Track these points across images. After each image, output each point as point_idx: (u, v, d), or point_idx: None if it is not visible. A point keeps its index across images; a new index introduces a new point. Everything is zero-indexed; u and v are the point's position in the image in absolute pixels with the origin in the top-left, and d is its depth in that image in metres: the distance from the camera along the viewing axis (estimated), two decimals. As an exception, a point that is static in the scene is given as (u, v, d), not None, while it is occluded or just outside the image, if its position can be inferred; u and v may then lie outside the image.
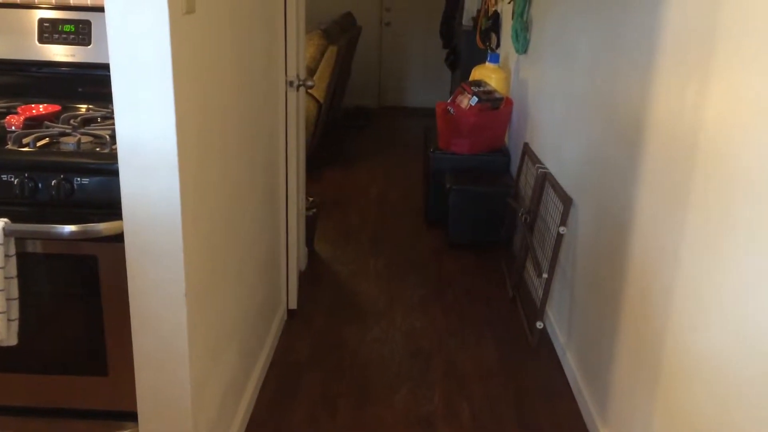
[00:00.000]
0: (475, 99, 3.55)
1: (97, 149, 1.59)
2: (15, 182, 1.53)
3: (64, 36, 2.01)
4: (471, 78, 4.09)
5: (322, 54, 4.63)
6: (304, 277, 3.13)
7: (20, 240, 1.55)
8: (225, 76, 1.70)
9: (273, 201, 2.47)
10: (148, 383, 1.55)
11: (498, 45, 4.46)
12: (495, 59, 4.03)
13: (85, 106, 2.01)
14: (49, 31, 2.01)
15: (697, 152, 1.48)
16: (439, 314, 2.87)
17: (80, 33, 2.01)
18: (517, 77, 3.88)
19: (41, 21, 2.01)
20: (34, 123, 1.77)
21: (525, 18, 3.63)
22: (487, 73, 3.96)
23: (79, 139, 1.61)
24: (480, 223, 3.52)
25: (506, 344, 2.65)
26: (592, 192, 2.27)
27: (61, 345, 1.66)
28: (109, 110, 1.93)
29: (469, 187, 3.49)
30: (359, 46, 6.61)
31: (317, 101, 4.64)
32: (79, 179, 1.54)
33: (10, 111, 1.88)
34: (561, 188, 2.60)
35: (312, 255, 3.38)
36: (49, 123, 1.78)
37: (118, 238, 1.48)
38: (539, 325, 2.59)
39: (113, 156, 1.53)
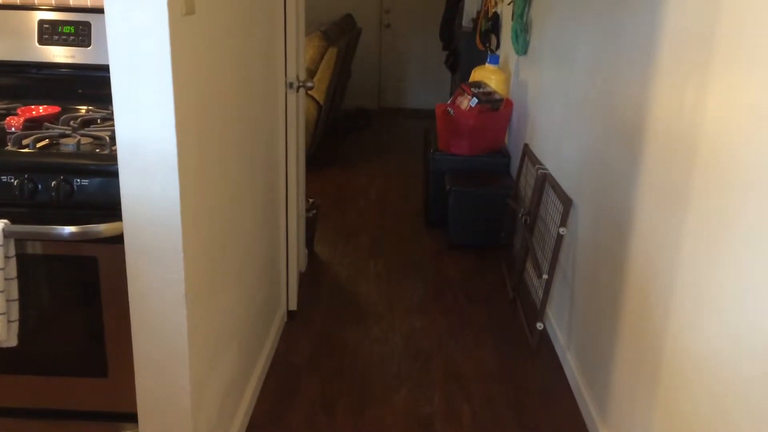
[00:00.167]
0: (474, 100, 3.55)
1: (97, 150, 1.59)
2: (15, 183, 1.53)
3: (64, 37, 2.01)
4: (471, 79, 4.09)
5: (322, 55, 4.63)
6: (304, 278, 3.13)
7: (20, 241, 1.55)
8: (225, 78, 1.70)
9: (273, 202, 2.47)
10: (147, 384, 1.55)
11: (498, 46, 4.46)
12: (495, 60, 4.03)
13: (85, 107, 2.02)
14: (49, 33, 2.01)
15: (697, 153, 1.48)
16: (439, 315, 2.87)
17: (80, 34, 2.01)
18: (517, 78, 3.88)
19: (41, 22, 2.01)
20: (33, 124, 1.77)
21: (525, 19, 3.63)
22: (486, 75, 3.96)
23: (79, 141, 1.61)
24: (480, 225, 3.53)
25: (506, 345, 2.64)
26: (592, 193, 2.27)
27: (61, 346, 1.66)
28: (109, 111, 1.93)
29: (469, 189, 3.49)
30: (359, 48, 6.62)
31: (317, 103, 4.64)
32: (78, 180, 1.54)
33: (9, 112, 1.88)
34: (561, 189, 2.60)
35: (312, 256, 3.38)
36: (48, 124, 1.78)
37: (118, 239, 1.48)
38: (539, 326, 2.59)
39: (113, 157, 1.53)
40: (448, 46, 6.04)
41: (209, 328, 1.68)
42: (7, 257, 1.49)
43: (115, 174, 1.49)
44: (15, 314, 1.54)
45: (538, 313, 2.61)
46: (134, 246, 1.45)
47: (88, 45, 2.01)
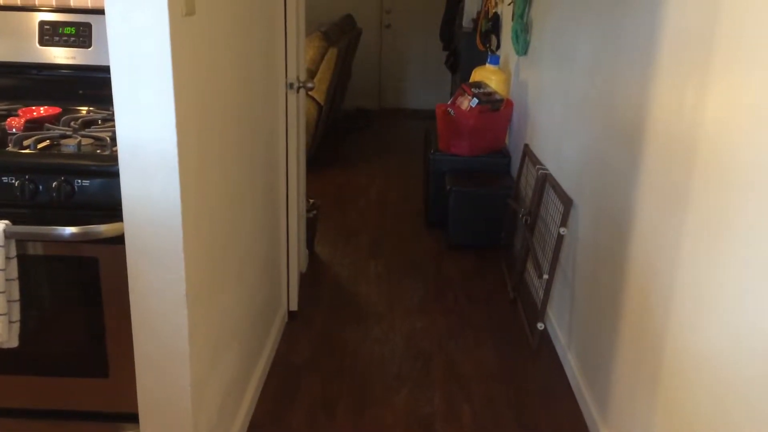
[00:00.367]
0: (475, 100, 3.55)
1: (98, 151, 1.60)
2: (16, 184, 1.54)
3: (65, 38, 2.01)
4: (471, 79, 4.09)
5: (323, 56, 4.63)
6: (304, 279, 3.13)
7: (21, 242, 1.56)
8: (225, 78, 1.71)
9: (273, 202, 2.47)
10: (148, 384, 1.56)
11: (498, 47, 4.46)
12: (495, 61, 4.03)
13: (86, 108, 2.02)
14: (50, 34, 2.01)
15: (697, 153, 1.48)
16: (440, 315, 2.87)
17: (81, 35, 2.01)
18: (517, 79, 3.88)
19: (42, 23, 2.01)
20: (34, 125, 1.78)
21: (525, 20, 3.63)
22: (487, 75, 3.96)
23: (80, 141, 1.61)
24: (480, 225, 3.53)
25: (507, 345, 2.65)
26: (592, 193, 2.28)
27: (62, 347, 1.66)
28: (110, 112, 1.93)
29: (470, 189, 3.49)
30: (359, 48, 6.62)
31: (318, 103, 4.64)
32: (79, 181, 1.54)
33: (10, 113, 1.88)
34: (561, 189, 2.61)
35: (312, 256, 3.39)
36: (49, 125, 1.79)
37: (119, 239, 1.48)
38: (540, 326, 2.59)
39: (114, 158, 1.53)
40: (449, 47, 6.04)
41: (210, 328, 1.68)
42: (8, 258, 1.49)
43: (115, 175, 1.49)
44: (16, 315, 1.55)
45: (539, 313, 2.61)
46: (135, 246, 1.45)
47: (89, 46, 2.02)
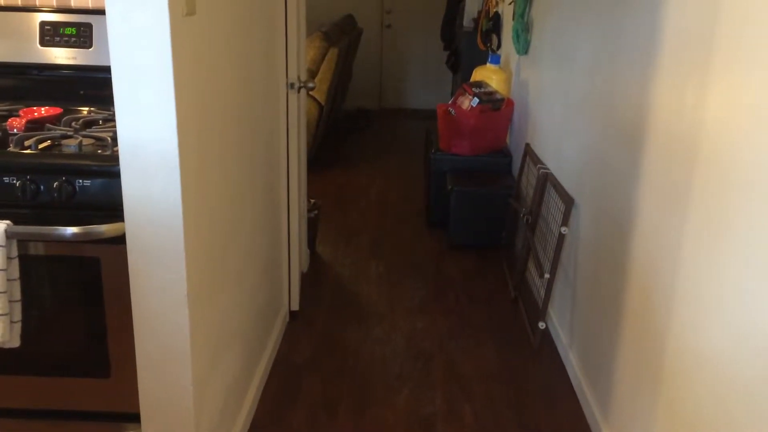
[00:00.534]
0: (476, 100, 3.55)
1: (99, 151, 1.60)
2: (17, 184, 1.54)
3: (66, 39, 2.01)
4: (472, 79, 4.09)
5: (323, 56, 4.63)
6: (305, 279, 3.13)
7: (22, 242, 1.56)
8: (225, 78, 1.71)
9: (274, 202, 2.47)
10: (150, 384, 1.56)
11: (499, 46, 4.46)
12: (496, 60, 4.03)
13: (87, 108, 2.02)
14: (51, 34, 2.02)
15: (697, 152, 1.48)
16: (441, 315, 2.87)
17: (81, 36, 2.01)
18: (518, 78, 3.88)
19: (42, 24, 2.01)
20: (35, 125, 1.78)
21: (525, 19, 3.63)
22: (488, 74, 3.96)
23: (81, 142, 1.62)
24: (481, 224, 3.53)
25: (508, 345, 2.64)
26: (593, 192, 2.28)
27: (63, 347, 1.66)
28: (111, 112, 1.93)
29: (471, 189, 3.49)
30: (360, 48, 6.62)
31: (318, 103, 4.64)
32: (80, 181, 1.54)
33: (11, 114, 1.88)
34: (562, 188, 2.60)
35: (314, 256, 3.39)
36: (50, 125, 1.79)
37: (120, 239, 1.48)
38: (541, 325, 2.59)
39: (115, 158, 1.54)
40: (449, 46, 6.04)
41: (211, 327, 1.68)
42: (9, 258, 1.49)
43: (116, 175, 1.49)
44: (18, 315, 1.55)
45: (540, 313, 2.61)
46: (136, 246, 1.46)
47: (90, 46, 2.02)
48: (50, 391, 1.70)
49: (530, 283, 2.94)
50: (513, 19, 3.79)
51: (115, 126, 1.45)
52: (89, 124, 1.85)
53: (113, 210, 1.51)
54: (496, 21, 4.42)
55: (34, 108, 1.91)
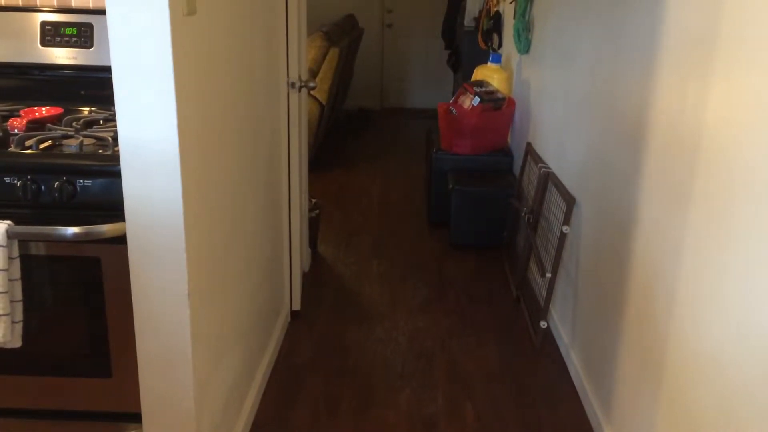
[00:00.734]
0: (477, 99, 3.55)
1: (100, 151, 1.60)
2: (18, 185, 1.54)
3: (66, 39, 2.01)
4: (473, 78, 4.09)
5: (324, 56, 4.63)
6: (307, 279, 3.13)
7: (23, 242, 1.56)
8: (226, 78, 1.70)
9: (275, 202, 2.47)
10: (151, 384, 1.56)
11: (500, 45, 4.46)
12: (497, 59, 4.03)
13: (88, 108, 2.02)
14: (51, 34, 2.02)
15: (699, 151, 1.48)
16: (442, 315, 2.86)
17: (82, 36, 2.01)
18: (519, 77, 3.88)
19: (43, 24, 2.01)
20: (36, 125, 1.78)
21: (527, 18, 3.63)
22: (489, 74, 3.96)
23: (82, 142, 1.62)
24: (483, 224, 3.52)
25: (510, 344, 2.64)
26: (594, 191, 2.27)
27: (64, 347, 1.66)
28: (112, 112, 1.93)
29: (472, 188, 3.48)
30: (361, 48, 6.62)
31: (320, 103, 4.64)
32: (81, 181, 1.54)
33: (12, 114, 1.88)
34: (564, 188, 2.60)
35: (315, 256, 3.39)
36: (51, 125, 1.79)
37: (121, 239, 1.48)
38: (543, 324, 2.58)
39: (115, 158, 1.54)
40: (450, 46, 6.04)
41: (212, 327, 1.68)
42: (10, 258, 1.49)
43: (117, 175, 1.49)
44: (19, 315, 1.55)
45: (542, 312, 2.61)
46: (137, 246, 1.45)
47: (91, 46, 2.02)
48: (52, 391, 1.70)
49: (532, 283, 2.94)
50: (514, 18, 3.79)
51: (115, 126, 1.45)
52: (90, 124, 1.85)
53: (114, 210, 1.51)
54: (497, 20, 4.42)
55: (35, 108, 1.91)
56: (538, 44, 3.39)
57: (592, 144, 2.32)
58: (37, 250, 1.59)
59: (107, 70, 1.36)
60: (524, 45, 3.64)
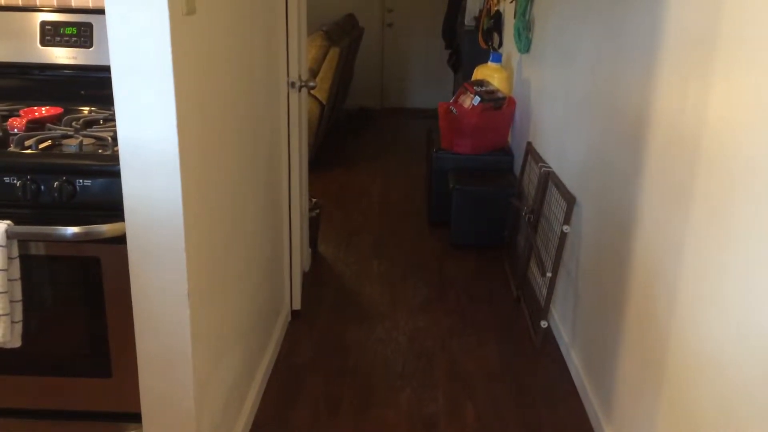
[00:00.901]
0: (477, 99, 3.54)
1: (99, 151, 1.60)
2: (17, 184, 1.54)
3: (66, 38, 2.01)
4: (473, 78, 4.08)
5: (325, 55, 4.63)
6: (307, 278, 3.13)
7: (23, 242, 1.56)
8: (226, 77, 1.70)
9: (275, 202, 2.47)
10: (151, 384, 1.55)
11: (500, 44, 4.45)
12: (497, 59, 4.02)
13: (88, 108, 2.02)
14: (51, 34, 2.01)
15: (700, 150, 1.48)
16: (443, 315, 2.86)
17: (82, 35, 2.01)
18: (520, 76, 3.88)
19: (43, 24, 2.01)
20: (36, 125, 1.78)
21: (527, 17, 3.62)
22: (489, 73, 3.95)
23: (81, 141, 1.61)
24: (483, 224, 3.52)
25: (510, 344, 2.64)
26: (595, 190, 2.27)
27: (64, 347, 1.66)
28: (112, 112, 1.93)
29: (472, 187, 3.48)
30: (361, 48, 6.61)
31: (320, 103, 4.64)
32: (81, 181, 1.54)
33: (12, 113, 1.88)
34: (564, 187, 2.60)
35: (315, 256, 3.38)
36: (51, 125, 1.79)
37: (121, 239, 1.48)
38: (543, 324, 2.58)
39: (115, 158, 1.53)
40: (451, 45, 6.03)
41: (212, 327, 1.68)
42: (10, 258, 1.49)
43: (117, 174, 1.49)
44: (18, 315, 1.54)
45: (542, 312, 2.60)
46: (137, 246, 1.45)
47: (90, 46, 2.01)
48: (52, 391, 1.70)
49: (532, 282, 2.94)
50: (514, 17, 3.78)
51: (115, 126, 1.44)
52: (90, 123, 1.84)
53: (114, 210, 1.51)
54: (497, 19, 4.41)
55: (35, 108, 1.91)
56: (539, 43, 3.38)
57: (593, 143, 2.32)
58: (37, 250, 1.59)
59: (107, 69, 1.36)
60: (525, 44, 3.63)
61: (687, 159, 1.54)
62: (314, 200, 3.34)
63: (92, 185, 1.54)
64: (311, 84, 2.70)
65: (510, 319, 2.84)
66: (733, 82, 1.35)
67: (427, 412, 2.21)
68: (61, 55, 2.02)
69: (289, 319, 2.74)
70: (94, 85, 2.04)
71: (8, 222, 1.48)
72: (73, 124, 1.80)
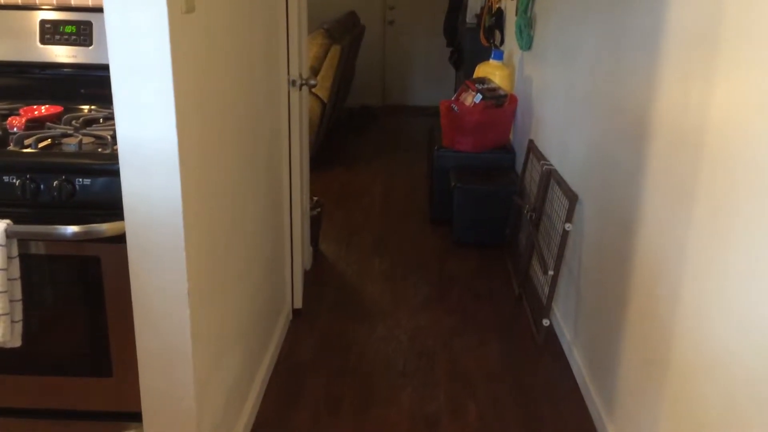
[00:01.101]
0: (479, 96, 3.53)
1: (99, 150, 1.59)
2: (17, 184, 1.53)
3: (66, 37, 2.00)
4: (475, 75, 4.07)
5: (326, 53, 4.62)
6: (309, 277, 3.12)
7: (23, 241, 1.55)
8: (225, 75, 1.70)
9: (277, 200, 2.46)
10: (151, 384, 1.55)
11: (502, 42, 4.44)
12: (499, 56, 4.01)
13: (87, 106, 2.01)
14: (51, 32, 2.01)
15: (703, 148, 1.47)
16: (444, 313, 2.86)
17: (81, 34, 2.00)
18: (521, 74, 3.86)
19: (42, 22, 2.01)
20: (35, 124, 1.77)
21: (529, 14, 3.61)
22: (491, 71, 3.94)
23: (81, 140, 1.61)
24: (485, 222, 3.51)
25: (512, 342, 2.63)
26: (597, 188, 2.26)
27: (65, 346, 1.65)
28: (111, 111, 1.92)
29: (474, 186, 3.47)
30: (363, 46, 6.60)
31: (321, 101, 4.63)
32: (80, 180, 1.54)
33: (12, 112, 1.88)
34: (566, 185, 2.59)
35: (317, 254, 3.38)
36: (50, 124, 1.78)
37: (121, 238, 1.48)
38: (545, 322, 2.57)
39: (114, 156, 1.53)
40: (452, 43, 6.02)
41: (213, 326, 1.67)
42: (9, 257, 1.49)
43: (117, 173, 1.48)
44: (18, 315, 1.54)
45: (544, 310, 2.60)
46: (136, 245, 1.45)
47: (90, 44, 2.01)
48: (52, 390, 1.70)
49: (534, 280, 2.93)
50: (516, 14, 3.77)
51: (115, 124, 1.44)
52: (89, 122, 1.84)
53: (114, 209, 1.50)
54: (499, 17, 4.40)
55: (35, 107, 1.90)
56: (540, 41, 3.37)
57: (595, 141, 2.31)
58: (37, 249, 1.58)
59: (107, 68, 1.35)
60: (526, 42, 3.62)
61: (690, 157, 1.53)
62: (315, 199, 3.33)
63: (92, 184, 1.54)
64: (312, 82, 2.70)
65: (512, 318, 2.83)
66: (737, 79, 1.34)
67: (429, 410, 2.20)
68: (61, 54, 2.02)
69: (290, 317, 2.74)
70: (93, 84, 2.03)
71: (8, 221, 1.48)
72: (73, 122, 1.80)
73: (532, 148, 3.29)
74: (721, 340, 1.37)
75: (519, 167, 3.63)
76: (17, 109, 1.90)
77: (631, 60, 1.95)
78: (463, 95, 3.63)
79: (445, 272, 3.25)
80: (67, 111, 1.93)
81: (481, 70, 4.05)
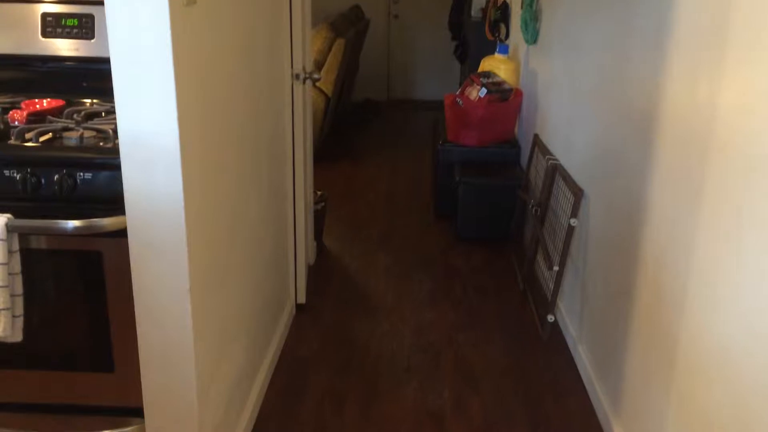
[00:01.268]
0: (484, 90, 3.51)
1: (101, 144, 1.58)
2: (18, 178, 1.52)
3: (68, 30, 1.99)
4: (480, 69, 4.05)
5: (330, 47, 4.60)
6: (312, 271, 3.11)
7: (24, 236, 1.54)
8: (227, 69, 1.68)
9: (280, 194, 2.45)
10: (153, 379, 1.54)
11: (507, 36, 4.41)
12: (504, 50, 3.99)
13: (90, 100, 2.00)
14: (52, 26, 1.99)
15: (711, 142, 1.45)
16: (449, 308, 2.84)
17: (83, 27, 1.99)
18: (527, 68, 3.84)
19: (44, 15, 1.99)
20: (37, 118, 1.76)
21: (534, 8, 3.58)
22: (496, 64, 3.92)
23: (82, 134, 1.60)
24: (489, 217, 3.49)
25: (517, 338, 2.62)
26: (603, 183, 2.24)
27: (66, 341, 1.65)
28: (113, 105, 1.91)
29: (479, 180, 3.45)
30: (367, 39, 6.58)
31: (325, 95, 4.62)
32: (82, 174, 1.52)
33: (13, 106, 1.87)
34: (572, 180, 2.57)
35: (321, 249, 3.37)
36: (51, 117, 1.77)
37: (123, 233, 1.47)
38: (550, 318, 2.56)
39: (116, 150, 1.51)
40: (457, 36, 5.99)
41: (215, 321, 1.66)
42: (10, 252, 1.48)
43: (118, 167, 1.47)
44: (19, 309, 1.53)
45: (549, 305, 2.58)
46: (138, 240, 1.44)
47: (92, 37, 1.99)
48: (53, 385, 1.69)
49: (539, 276, 2.91)
50: (521, 8, 3.74)
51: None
52: (91, 116, 1.83)
53: (115, 203, 1.49)
54: (504, 10, 4.37)
55: (36, 100, 1.89)
56: (546, 34, 3.34)
57: (601, 135, 2.29)
58: (38, 243, 1.57)
59: (109, 61, 1.34)
60: (532, 35, 3.59)
61: (697, 151, 1.51)
62: (319, 193, 3.32)
63: (93, 178, 1.53)
64: (316, 76, 2.68)
65: (516, 313, 2.81)
66: (746, 72, 1.31)
67: (433, 406, 2.19)
68: (63, 47, 2.00)
69: (294, 312, 2.73)
70: (95, 77, 2.02)
71: (8, 215, 1.47)
72: (75, 116, 1.78)
73: (537, 142, 3.27)
74: (730, 336, 1.35)
75: (524, 162, 3.61)
76: (19, 102, 1.89)
77: (638, 54, 1.93)
78: (468, 89, 3.61)
79: (449, 267, 3.24)
80: (68, 105, 1.92)
81: (486, 64, 4.03)
